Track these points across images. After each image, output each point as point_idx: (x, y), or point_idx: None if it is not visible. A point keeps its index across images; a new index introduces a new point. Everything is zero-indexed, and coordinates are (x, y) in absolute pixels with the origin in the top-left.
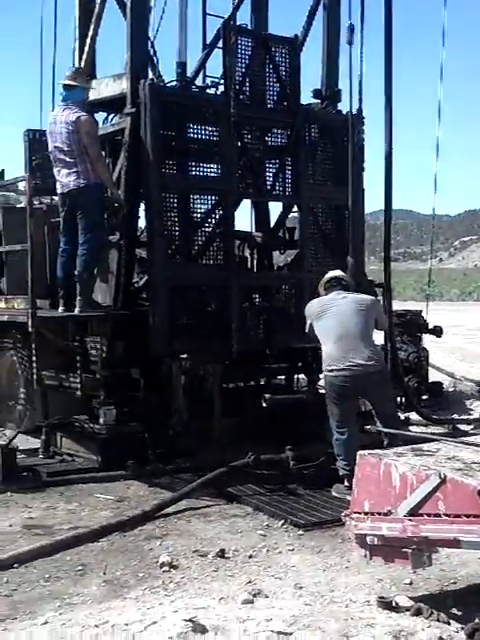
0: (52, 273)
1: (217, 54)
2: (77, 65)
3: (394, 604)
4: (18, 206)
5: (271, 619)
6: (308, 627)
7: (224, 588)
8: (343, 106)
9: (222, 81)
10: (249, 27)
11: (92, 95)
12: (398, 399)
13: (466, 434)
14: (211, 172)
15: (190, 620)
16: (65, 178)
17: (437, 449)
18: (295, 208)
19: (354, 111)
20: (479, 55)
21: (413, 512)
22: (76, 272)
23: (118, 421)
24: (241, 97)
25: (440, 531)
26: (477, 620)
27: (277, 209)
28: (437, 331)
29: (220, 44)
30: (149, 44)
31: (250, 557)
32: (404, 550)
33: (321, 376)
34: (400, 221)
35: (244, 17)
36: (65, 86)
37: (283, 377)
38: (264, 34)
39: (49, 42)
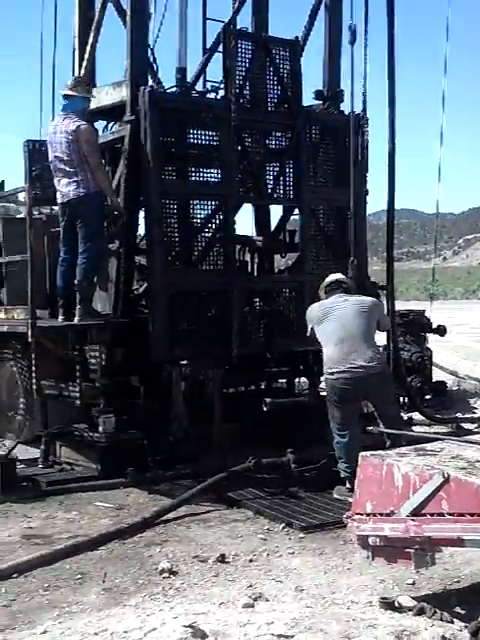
0: (52, 283)
1: (217, 58)
2: (77, 73)
3: (397, 604)
4: (18, 217)
5: (272, 622)
6: (309, 629)
7: (224, 593)
8: (346, 107)
9: (222, 85)
10: (249, 29)
11: (92, 103)
12: (401, 399)
13: (470, 433)
14: (211, 177)
15: (190, 626)
16: (65, 187)
17: (440, 448)
18: (296, 211)
19: (356, 112)
20: None
21: (416, 512)
22: (76, 281)
23: (118, 429)
24: (241, 101)
25: (443, 530)
26: None
27: (278, 212)
28: (441, 330)
29: (220, 48)
30: (149, 51)
31: (250, 561)
32: (407, 550)
33: (322, 379)
34: (403, 221)
35: (244, 19)
36: (65, 96)
37: (284, 380)
38: (264, 36)
39: (49, 50)
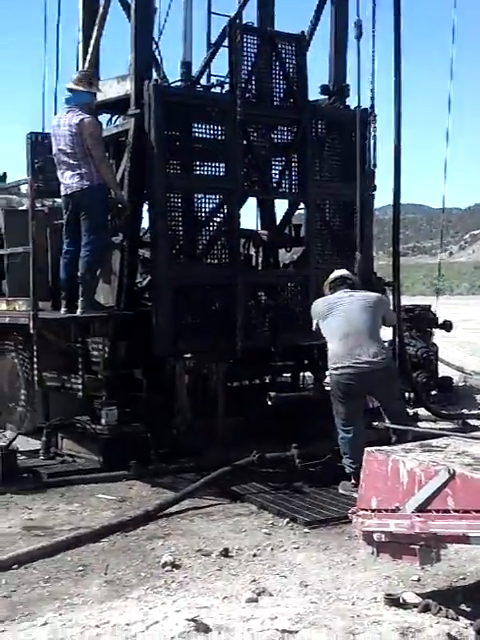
0: (54, 275)
1: (222, 53)
2: (81, 66)
3: (401, 601)
4: (20, 209)
5: (276, 617)
6: (313, 625)
7: (228, 587)
8: (352, 102)
9: (228, 80)
10: (255, 24)
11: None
12: (407, 395)
13: (476, 429)
14: (216, 171)
15: (193, 620)
16: (68, 180)
17: (446, 444)
18: (301, 205)
19: (362, 106)
20: None
21: (421, 508)
22: (79, 273)
23: (120, 421)
24: (247, 95)
25: (449, 527)
26: None
27: (283, 206)
28: (447, 325)
29: (226, 43)
30: (153, 45)
31: (254, 556)
32: (412, 547)
33: (327, 374)
34: (410, 216)
35: (250, 13)
36: (70, 89)
37: (289, 375)
38: (270, 31)
39: (53, 42)
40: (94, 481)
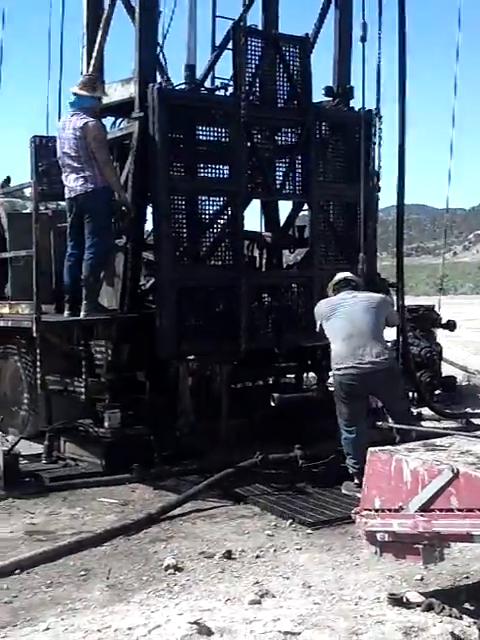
0: (57, 278)
1: (227, 55)
2: (85, 70)
3: (405, 600)
4: (24, 212)
5: (279, 619)
6: (316, 626)
7: (230, 589)
8: (357, 103)
9: (232, 82)
10: (259, 27)
11: None
12: (410, 394)
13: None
14: (220, 173)
15: (195, 622)
16: (73, 183)
17: (450, 444)
18: (305, 206)
19: (367, 108)
20: None
21: (425, 508)
22: (82, 276)
23: (123, 424)
24: (251, 97)
25: (452, 526)
26: None
27: (287, 208)
28: (451, 325)
29: (230, 45)
30: (157, 48)
31: (257, 557)
32: (415, 546)
33: (330, 374)
34: (413, 216)
35: (254, 16)
36: (75, 93)
37: (292, 376)
38: (274, 34)
39: (57, 46)
40: (97, 485)
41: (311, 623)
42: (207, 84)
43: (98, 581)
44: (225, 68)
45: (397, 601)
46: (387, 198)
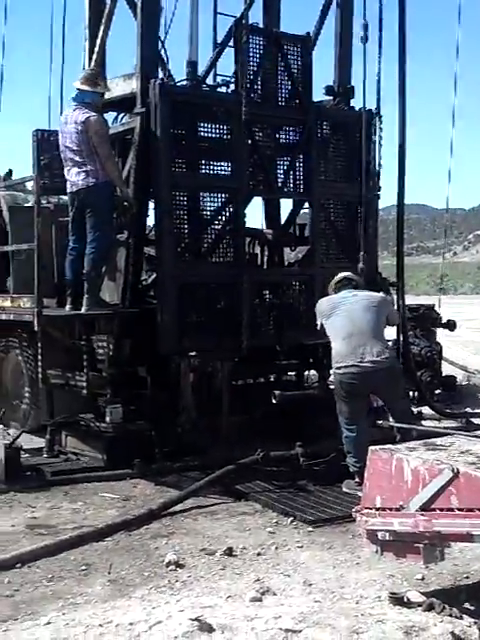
0: (59, 272)
1: (228, 53)
2: (87, 65)
3: (405, 599)
4: (26, 205)
5: (279, 617)
6: (317, 624)
7: (231, 586)
8: (358, 103)
9: (233, 79)
10: (261, 25)
11: None
12: (411, 393)
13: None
14: (221, 170)
15: (196, 619)
16: (75, 177)
17: (450, 443)
18: (306, 205)
19: (367, 108)
20: None
21: (425, 507)
22: (84, 271)
23: (125, 419)
24: (252, 95)
25: (453, 525)
26: None
27: (288, 206)
28: (451, 325)
29: (231, 43)
30: (159, 44)
31: (258, 555)
32: (416, 545)
33: (331, 372)
34: (413, 216)
35: (256, 15)
36: (77, 88)
37: (293, 373)
38: (276, 32)
39: (59, 41)
40: (98, 479)
41: (312, 621)
42: (209, 81)
43: (99, 576)
44: (227, 65)
45: (398, 600)
46: (387, 197)
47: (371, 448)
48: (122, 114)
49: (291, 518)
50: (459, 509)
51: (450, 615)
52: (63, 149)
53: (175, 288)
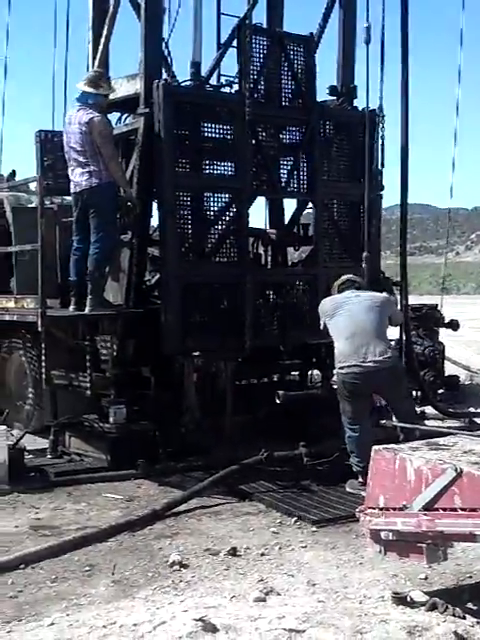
0: (63, 273)
1: (232, 53)
2: (91, 65)
3: (409, 599)
4: (29, 206)
5: (283, 617)
6: (321, 624)
7: (235, 587)
8: (361, 103)
9: (237, 80)
10: (264, 25)
11: None
12: (414, 393)
13: None
14: (225, 170)
15: (200, 619)
16: (78, 177)
17: (453, 443)
18: (310, 204)
19: (370, 108)
20: None
21: (428, 507)
22: (88, 271)
23: (128, 420)
24: (256, 95)
25: (456, 525)
26: None
27: (292, 206)
28: (453, 324)
29: (235, 43)
30: (163, 44)
31: (262, 555)
32: (419, 545)
33: (334, 372)
34: (416, 216)
35: (259, 15)
36: (81, 89)
37: (297, 373)
38: (279, 32)
39: (63, 41)
40: (102, 480)
41: (316, 621)
42: (212, 81)
43: (103, 577)
44: (230, 65)
45: (401, 600)
46: (390, 197)
47: (374, 448)
48: (126, 115)
49: (295, 518)
50: (462, 509)
51: (453, 615)
52: (67, 150)
53: (179, 288)
